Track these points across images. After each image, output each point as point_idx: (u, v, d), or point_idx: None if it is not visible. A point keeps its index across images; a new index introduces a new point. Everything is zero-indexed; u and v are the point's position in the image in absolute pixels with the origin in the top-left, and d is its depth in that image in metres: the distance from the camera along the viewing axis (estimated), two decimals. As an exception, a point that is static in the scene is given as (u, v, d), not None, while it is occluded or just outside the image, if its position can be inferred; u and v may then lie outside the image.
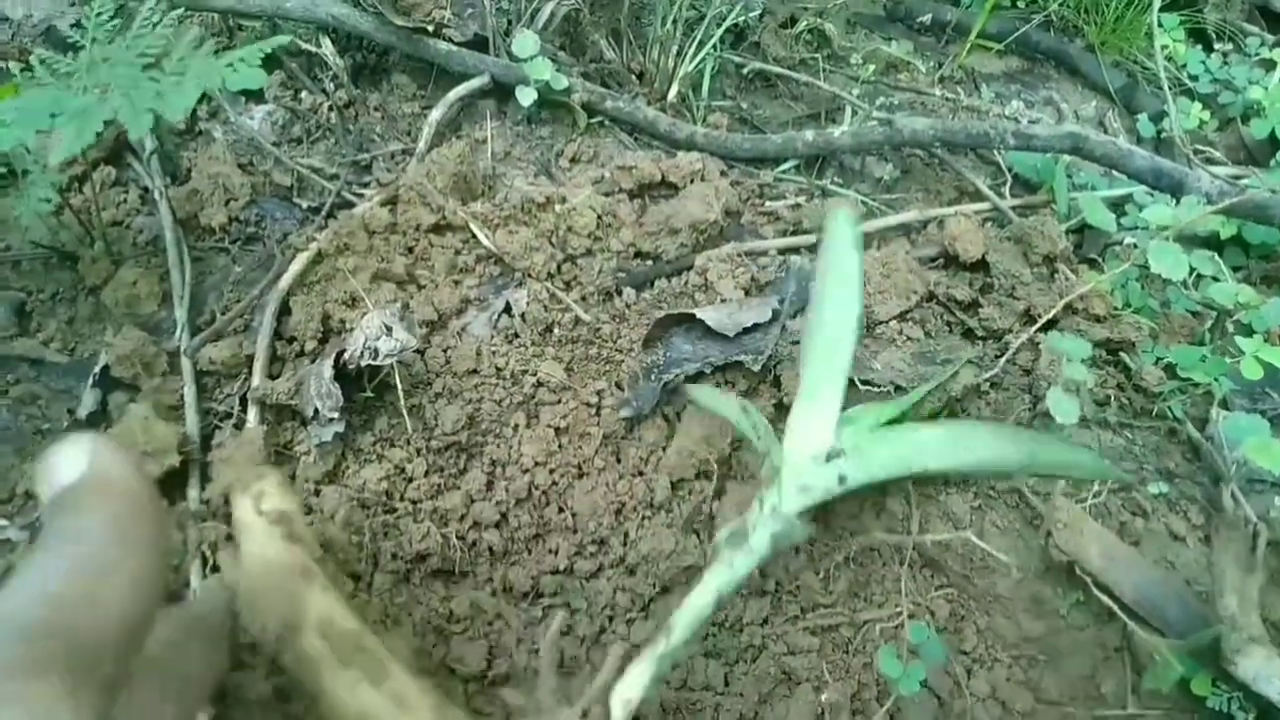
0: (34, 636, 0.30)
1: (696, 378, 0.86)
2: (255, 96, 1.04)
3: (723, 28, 1.08)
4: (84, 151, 0.64)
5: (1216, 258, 0.92)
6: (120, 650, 0.32)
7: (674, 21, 1.05)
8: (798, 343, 0.87)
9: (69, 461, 0.35)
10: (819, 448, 0.64)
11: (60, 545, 0.33)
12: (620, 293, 0.92)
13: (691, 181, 0.99)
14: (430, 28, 1.02)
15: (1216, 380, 0.84)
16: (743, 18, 1.15)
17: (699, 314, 0.84)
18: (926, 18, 1.30)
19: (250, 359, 0.82)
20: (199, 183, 0.94)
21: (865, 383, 0.84)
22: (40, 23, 1.11)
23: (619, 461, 0.84)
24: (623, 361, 0.88)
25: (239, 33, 1.08)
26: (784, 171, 1.05)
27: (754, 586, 0.80)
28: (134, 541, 0.34)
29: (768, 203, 1.02)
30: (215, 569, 0.71)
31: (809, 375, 0.67)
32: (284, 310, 0.86)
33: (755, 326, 0.85)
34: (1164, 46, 1.26)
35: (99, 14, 0.72)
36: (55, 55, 0.72)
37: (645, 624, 0.77)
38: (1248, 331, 0.92)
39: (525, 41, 0.99)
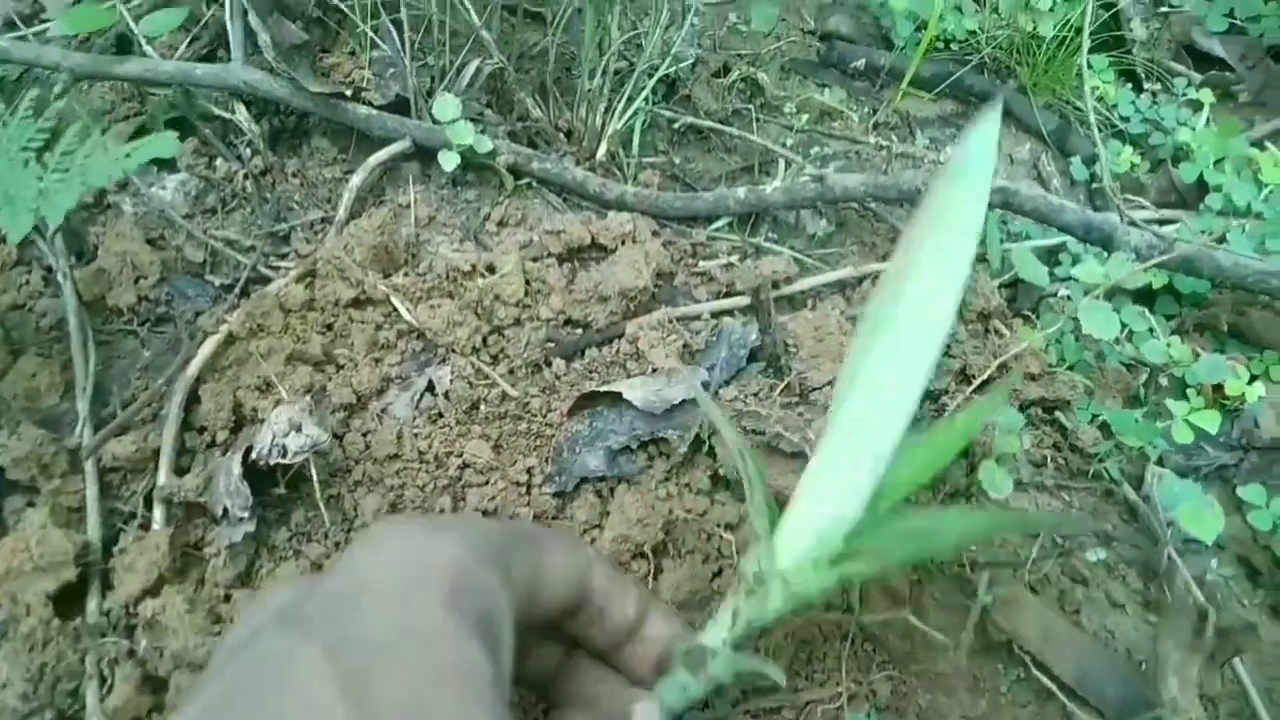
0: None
1: (622, 452, 0.83)
2: (167, 166, 1.00)
3: (653, 80, 1.07)
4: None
5: (1148, 313, 0.92)
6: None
7: (603, 74, 1.04)
8: (730, 417, 0.86)
9: None
10: (830, 539, 0.51)
11: None
12: (549, 364, 0.90)
13: (622, 243, 0.97)
14: (349, 92, 0.99)
15: (1151, 443, 0.83)
16: (674, 69, 1.13)
17: (625, 393, 0.81)
18: (860, 63, 1.29)
19: (157, 453, 0.78)
20: (106, 261, 0.90)
21: (796, 454, 0.82)
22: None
23: (550, 544, 0.81)
24: (553, 436, 0.86)
25: (151, 98, 1.04)
26: (717, 229, 1.04)
27: (692, 669, 0.78)
28: None
29: (701, 262, 1.00)
30: (112, 689, 0.67)
31: (850, 409, 0.50)
32: (193, 399, 0.82)
33: (684, 402, 0.83)
34: (1094, 88, 1.26)
35: (-19, 101, 0.68)
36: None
37: (579, 716, 0.74)
38: (1181, 387, 0.92)
39: (446, 105, 0.97)
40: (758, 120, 1.18)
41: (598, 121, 1.04)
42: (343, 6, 1.04)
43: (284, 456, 0.71)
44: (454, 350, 0.87)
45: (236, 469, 0.73)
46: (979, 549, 0.83)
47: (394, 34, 1.03)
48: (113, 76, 0.96)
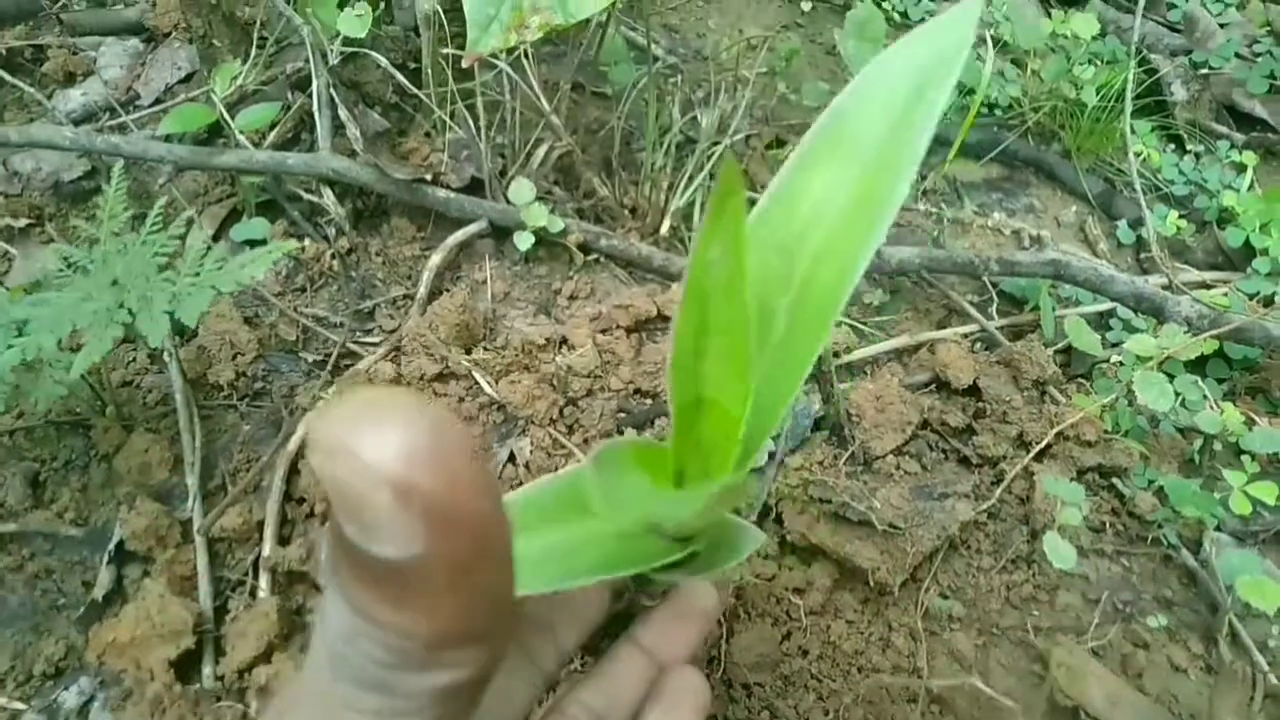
0: None
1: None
2: (259, 246, 1.06)
3: (712, 161, 1.12)
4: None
5: (1200, 382, 0.94)
6: None
7: (664, 153, 1.09)
8: (795, 484, 0.89)
9: None
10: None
11: None
12: (621, 433, 0.94)
13: (686, 315, 1.01)
14: (428, 176, 1.05)
15: (1210, 514, 0.85)
16: (729, 142, 1.18)
17: (699, 465, 0.86)
18: (907, 130, 1.34)
19: (261, 524, 0.84)
20: (206, 339, 0.96)
21: (863, 522, 0.85)
22: (48, 176, 1.14)
23: (626, 609, 0.85)
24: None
25: (242, 181, 1.11)
26: (776, 299, 1.08)
27: (765, 730, 0.81)
28: None
29: (761, 332, 1.04)
30: (233, 753, 0.72)
31: None
32: (293, 471, 0.87)
33: (752, 470, 0.87)
34: (1138, 153, 1.30)
35: (113, 205, 0.75)
36: (70, 249, 0.74)
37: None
38: (1235, 452, 0.94)
39: (522, 190, 1.03)
40: (811, 190, 1.23)
41: (661, 199, 1.10)
42: (420, 93, 1.11)
43: (385, 531, 0.76)
44: (533, 422, 0.92)
45: (339, 541, 0.78)
46: (1041, 614, 0.86)
47: (468, 118, 1.09)
48: (213, 167, 1.03)
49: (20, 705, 0.75)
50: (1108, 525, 0.91)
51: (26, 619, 0.80)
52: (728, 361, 0.34)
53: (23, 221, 1.09)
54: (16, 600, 0.81)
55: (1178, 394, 0.91)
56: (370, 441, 0.20)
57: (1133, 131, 1.30)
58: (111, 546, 0.81)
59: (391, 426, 0.20)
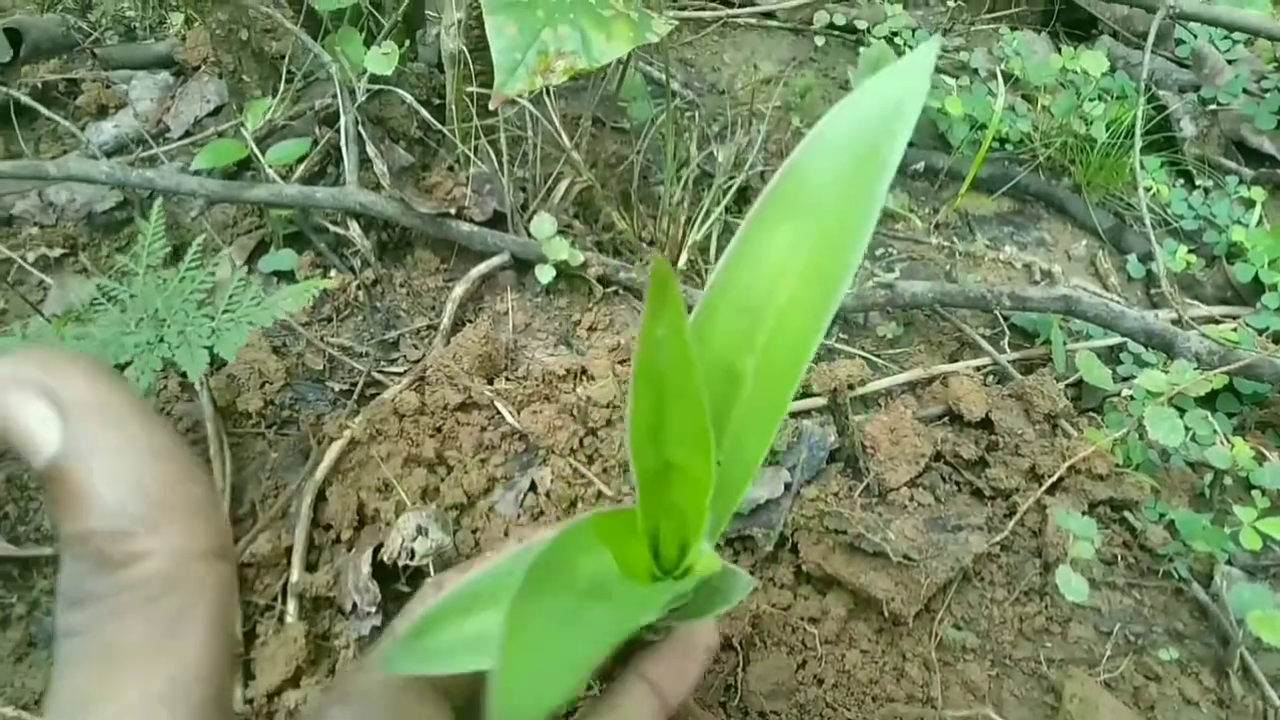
0: None
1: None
2: (287, 277, 1.09)
3: (728, 196, 1.14)
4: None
5: (1210, 417, 0.96)
6: None
7: (683, 189, 1.12)
8: (811, 515, 0.91)
9: None
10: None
11: None
12: (640, 463, 0.96)
13: (704, 347, 1.04)
14: (452, 210, 1.08)
15: (1221, 548, 0.87)
16: (745, 176, 1.21)
17: (717, 496, 0.87)
18: (920, 165, 1.36)
19: (289, 550, 0.86)
20: (235, 368, 0.99)
21: (877, 553, 0.87)
22: (81, 207, 1.17)
23: (645, 636, 0.87)
24: (644, 532, 0.92)
25: (270, 214, 1.14)
26: (791, 331, 1.10)
27: (782, 759, 0.82)
28: None
29: (777, 364, 1.06)
30: (263, 776, 0.73)
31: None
32: (320, 498, 0.90)
33: (768, 501, 0.89)
34: (1148, 188, 1.32)
35: (151, 242, 0.78)
36: (110, 283, 0.77)
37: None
38: (1246, 487, 0.95)
39: (543, 224, 1.05)
40: (825, 224, 1.25)
41: (679, 232, 1.12)
42: (443, 129, 1.14)
43: (411, 559, 0.78)
44: (553, 451, 0.94)
45: (365, 568, 0.80)
46: (1053, 646, 0.87)
47: (491, 153, 1.12)
48: (243, 200, 1.06)
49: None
50: (1119, 558, 0.92)
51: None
52: (688, 429, 0.34)
53: (58, 251, 1.12)
54: (51, 623, 0.83)
55: (1188, 429, 0.93)
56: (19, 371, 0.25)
57: (1142, 167, 1.32)
58: (144, 572, 0.83)
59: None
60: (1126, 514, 0.94)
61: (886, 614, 0.86)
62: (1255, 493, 0.93)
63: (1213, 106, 1.48)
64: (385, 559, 0.80)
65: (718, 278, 0.38)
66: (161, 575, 0.26)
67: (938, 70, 1.52)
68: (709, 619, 0.50)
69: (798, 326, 0.36)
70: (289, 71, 1.19)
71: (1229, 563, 0.91)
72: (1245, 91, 1.47)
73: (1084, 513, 0.90)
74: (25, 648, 0.82)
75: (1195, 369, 0.94)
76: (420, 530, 0.78)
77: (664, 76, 1.10)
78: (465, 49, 1.06)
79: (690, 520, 0.37)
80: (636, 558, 0.37)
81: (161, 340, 0.69)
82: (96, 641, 0.25)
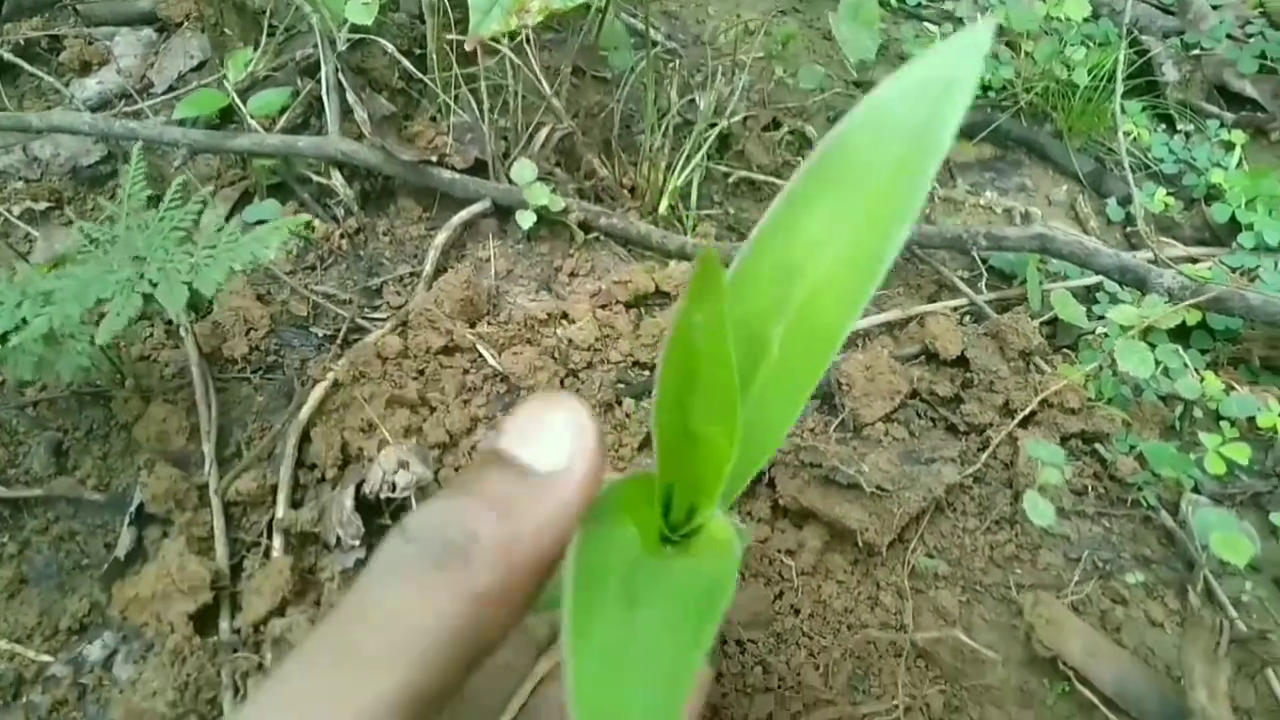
0: None
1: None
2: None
3: (708, 143, 1.15)
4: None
5: (1181, 351, 0.97)
6: None
7: (663, 135, 1.12)
8: (787, 450, 0.93)
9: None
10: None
11: None
12: (620, 403, 0.98)
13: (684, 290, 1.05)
14: (433, 158, 1.09)
15: (1187, 474, 0.88)
16: (726, 124, 1.21)
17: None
18: (901, 112, 1.36)
19: (274, 489, 0.88)
20: (220, 315, 1.00)
21: (851, 486, 0.89)
22: (66, 161, 1.18)
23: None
24: (625, 469, 0.94)
25: (253, 164, 1.15)
26: (771, 275, 1.11)
27: (757, 684, 0.85)
28: None
29: (756, 306, 1.07)
30: (246, 698, 0.76)
31: None
32: (304, 439, 0.91)
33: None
34: (1128, 132, 1.32)
35: (132, 185, 0.79)
36: (92, 225, 0.78)
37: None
38: (1215, 419, 0.97)
39: (524, 169, 1.06)
40: (806, 171, 1.26)
41: (659, 178, 1.13)
42: (425, 78, 1.14)
43: (393, 491, 0.80)
44: (535, 392, 0.96)
45: (349, 502, 0.82)
46: (1023, 572, 0.89)
47: (472, 102, 1.12)
48: (225, 150, 1.07)
49: (48, 658, 0.80)
50: (1089, 488, 0.94)
51: (52, 578, 0.84)
52: (716, 405, 0.34)
53: (43, 205, 1.13)
54: (42, 561, 0.85)
55: (1159, 362, 0.94)
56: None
57: (1123, 111, 1.33)
58: (132, 509, 0.85)
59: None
60: (1097, 446, 0.96)
61: (861, 544, 0.88)
62: (1224, 424, 0.95)
63: (1196, 51, 1.48)
64: (368, 493, 0.82)
65: (753, 243, 0.37)
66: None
67: (920, 18, 1.52)
68: None
69: (834, 302, 0.35)
70: (271, 24, 1.19)
71: (1196, 490, 0.92)
72: (1229, 37, 1.48)
73: (1056, 445, 0.92)
74: (17, 585, 0.84)
75: (1166, 303, 0.95)
76: (401, 464, 0.80)
77: (645, 26, 1.10)
78: (443, -4, 1.06)
79: (706, 487, 0.36)
80: (650, 523, 0.37)
81: (142, 277, 0.71)
82: None
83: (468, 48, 0.82)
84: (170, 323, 1.01)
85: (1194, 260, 1.16)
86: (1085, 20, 1.41)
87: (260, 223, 1.11)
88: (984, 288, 1.14)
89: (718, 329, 0.33)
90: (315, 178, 1.13)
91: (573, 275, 1.09)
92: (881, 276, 0.34)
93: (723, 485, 0.36)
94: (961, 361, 1.02)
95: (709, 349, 0.33)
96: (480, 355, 0.98)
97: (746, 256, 0.37)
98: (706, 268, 0.31)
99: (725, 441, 0.35)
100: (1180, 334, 1.06)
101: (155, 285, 0.69)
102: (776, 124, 1.30)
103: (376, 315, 1.04)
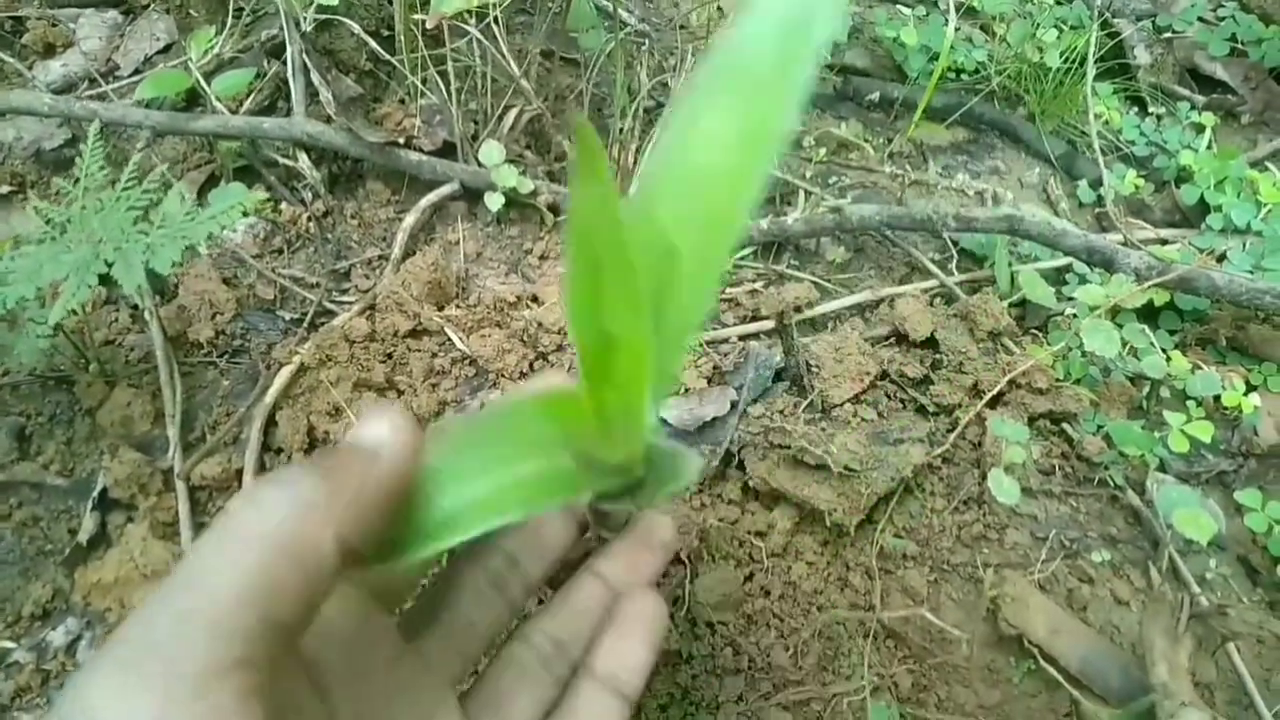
0: None
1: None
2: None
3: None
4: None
5: (1148, 330, 0.98)
6: None
7: (633, 116, 1.12)
8: (757, 432, 0.93)
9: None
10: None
11: None
12: (591, 386, 0.97)
13: (654, 273, 1.04)
14: (401, 140, 1.08)
15: (1151, 452, 0.89)
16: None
17: (660, 412, 0.89)
18: (875, 95, 1.37)
19: (239, 473, 0.87)
20: (186, 299, 0.99)
21: (820, 466, 0.89)
22: (29, 144, 1.16)
23: (595, 551, 0.88)
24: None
25: (220, 148, 1.13)
26: (742, 258, 1.11)
27: (728, 665, 0.85)
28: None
29: (728, 289, 1.07)
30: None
31: None
32: (270, 423, 0.91)
33: (715, 419, 0.91)
34: (1099, 115, 1.33)
35: (90, 164, 0.78)
36: (48, 206, 0.77)
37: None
38: (1182, 399, 0.98)
39: (491, 151, 1.05)
40: (778, 154, 1.26)
41: (630, 161, 1.12)
42: (393, 60, 1.13)
43: (357, 474, 0.79)
44: (503, 375, 0.95)
45: (314, 486, 0.81)
46: (990, 551, 0.90)
47: (440, 84, 1.11)
48: (189, 132, 1.06)
49: (10, 644, 0.79)
50: (1057, 468, 0.95)
51: (14, 564, 0.84)
52: (623, 298, 0.35)
53: (4, 189, 1.11)
54: (4, 546, 0.84)
55: (1125, 342, 0.95)
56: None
57: (1095, 94, 1.33)
58: (95, 494, 0.84)
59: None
60: (1065, 426, 0.97)
61: (830, 525, 0.88)
62: (1191, 403, 0.96)
63: (1167, 34, 1.48)
64: (333, 476, 0.81)
65: (657, 155, 0.39)
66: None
67: (894, 1, 1.52)
68: (664, 517, 0.51)
69: (729, 196, 0.37)
70: (237, 6, 1.18)
71: (1161, 469, 0.93)
72: (1200, 19, 1.48)
73: (1026, 424, 0.92)
74: None
75: (1133, 283, 0.95)
76: (365, 446, 0.79)
77: (612, 6, 1.09)
78: (410, -24, 1.05)
79: (632, 389, 0.38)
80: (583, 432, 0.39)
81: (98, 257, 0.70)
82: None
83: (430, 25, 0.81)
84: (136, 307, 1.00)
85: (1164, 242, 1.17)
86: (1058, 3, 1.41)
87: (227, 206, 1.10)
88: (954, 269, 1.14)
89: (609, 210, 0.33)
90: (282, 160, 1.12)
91: (543, 258, 1.09)
92: (767, 167, 0.36)
93: (647, 385, 0.37)
94: (931, 343, 1.02)
95: (606, 233, 0.34)
96: (448, 338, 0.97)
97: (653, 167, 0.39)
98: (584, 142, 0.31)
99: (640, 339, 0.36)
100: (1148, 314, 1.06)
101: (111, 265, 0.68)
102: (749, 106, 1.29)
103: (344, 298, 1.03)
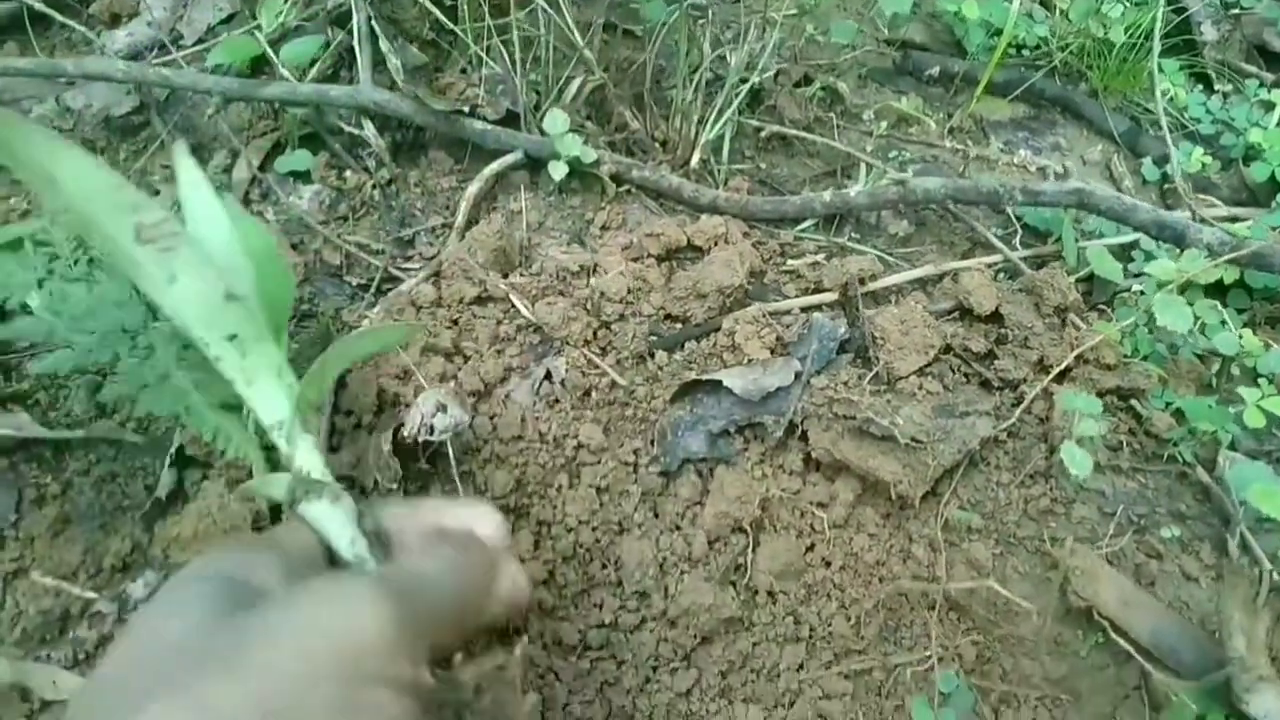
0: None
1: (721, 436, 0.91)
2: (302, 177, 1.11)
3: (740, 98, 1.14)
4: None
5: (1219, 306, 0.97)
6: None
7: (694, 89, 1.12)
8: (821, 403, 0.93)
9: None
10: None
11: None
12: (653, 355, 0.98)
13: (716, 244, 1.04)
14: (465, 109, 1.08)
15: (1223, 428, 0.88)
16: (758, 80, 1.20)
17: (724, 380, 0.89)
18: (935, 70, 1.35)
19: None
20: (255, 263, 1.01)
21: (885, 437, 0.88)
22: (99, 111, 1.18)
23: (657, 517, 0.89)
24: (656, 421, 0.94)
25: (285, 115, 1.14)
26: (804, 230, 1.11)
27: (788, 634, 0.85)
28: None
29: (789, 261, 1.07)
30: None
31: None
32: (341, 385, 0.92)
33: (778, 389, 0.91)
34: (1165, 91, 1.31)
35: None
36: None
37: (687, 673, 0.82)
38: (1253, 376, 0.96)
39: (555, 120, 1.06)
40: (838, 127, 1.25)
41: (691, 132, 1.12)
42: (456, 29, 1.14)
43: (431, 434, 0.80)
44: (567, 343, 0.96)
45: (386, 446, 0.82)
46: (1057, 525, 0.89)
47: (504, 53, 1.12)
48: (258, 98, 1.07)
49: (93, 594, 0.81)
50: (1124, 444, 0.94)
51: (95, 518, 0.85)
52: None
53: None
54: (85, 501, 0.86)
55: (1196, 318, 0.94)
56: None
57: (1160, 70, 1.31)
58: (172, 451, 0.86)
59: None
60: (1133, 402, 0.96)
61: (893, 496, 0.88)
62: (1262, 381, 0.94)
63: (1235, 10, 1.45)
64: (405, 436, 0.82)
65: None
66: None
67: (955, -25, 1.50)
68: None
69: None
70: (301, -25, 1.19)
71: (1232, 447, 0.92)
72: (1269, -5, 1.45)
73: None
74: (61, 524, 0.85)
75: (1205, 258, 0.94)
76: (440, 406, 0.80)
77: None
78: (477, -55, 1.06)
79: None
80: None
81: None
82: None
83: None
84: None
85: (1234, 219, 1.15)
86: (1123, -23, 1.38)
87: (292, 174, 1.11)
88: (1018, 244, 1.13)
89: None
90: (347, 128, 1.13)
91: (604, 228, 1.09)
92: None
93: None
94: (996, 317, 1.01)
95: None
96: (513, 305, 0.98)
97: None
98: None
99: None
100: (1217, 291, 1.05)
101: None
102: (808, 79, 1.29)
103: (409, 265, 1.04)
